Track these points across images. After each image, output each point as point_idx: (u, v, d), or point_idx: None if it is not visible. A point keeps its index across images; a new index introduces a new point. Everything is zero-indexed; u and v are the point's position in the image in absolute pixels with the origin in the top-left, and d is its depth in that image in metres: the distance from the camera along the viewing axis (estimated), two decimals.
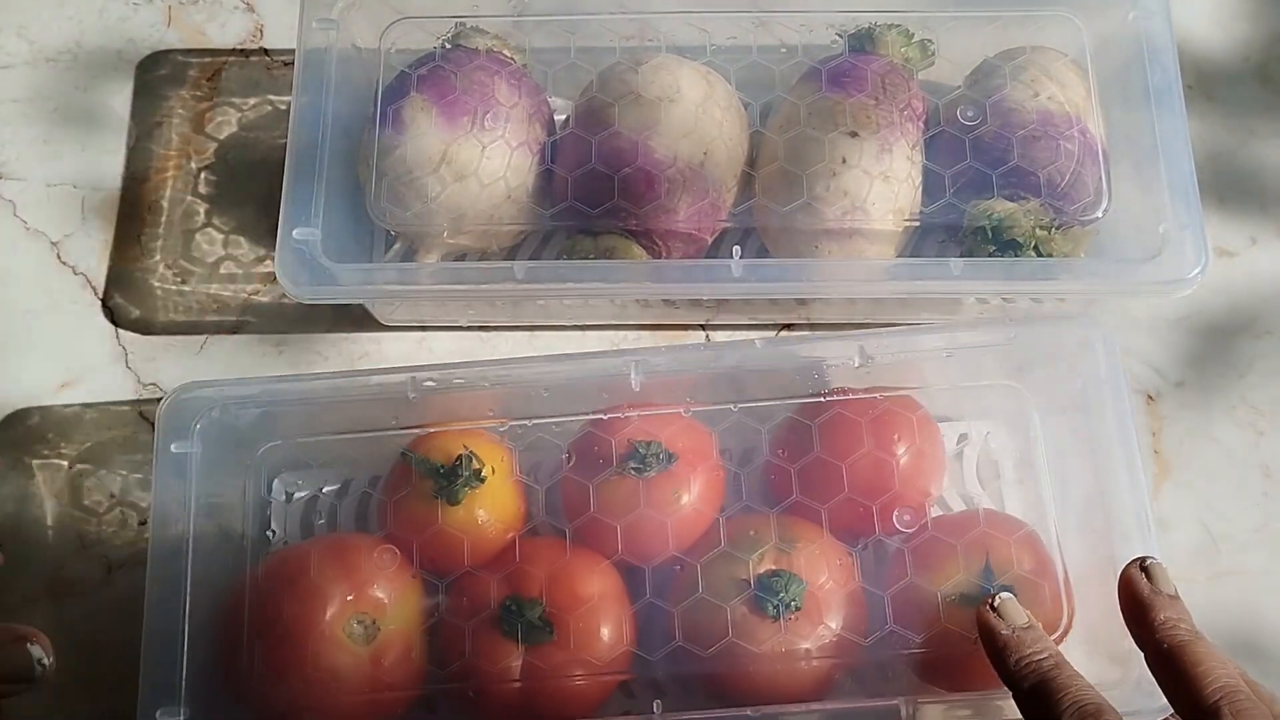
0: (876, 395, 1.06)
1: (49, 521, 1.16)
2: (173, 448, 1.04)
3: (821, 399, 1.07)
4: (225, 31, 1.34)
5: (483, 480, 1.03)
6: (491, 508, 1.04)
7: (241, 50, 1.33)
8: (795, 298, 1.18)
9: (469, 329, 1.17)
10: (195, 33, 1.34)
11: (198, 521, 1.03)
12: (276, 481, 1.15)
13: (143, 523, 1.16)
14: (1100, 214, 1.11)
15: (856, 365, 1.06)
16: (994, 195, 1.10)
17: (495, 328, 1.12)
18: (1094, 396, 1.04)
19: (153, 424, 1.15)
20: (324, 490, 1.15)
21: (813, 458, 1.04)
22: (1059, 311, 1.13)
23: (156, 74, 1.33)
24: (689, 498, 1.03)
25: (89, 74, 1.33)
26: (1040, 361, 1.08)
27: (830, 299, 1.18)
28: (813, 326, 1.22)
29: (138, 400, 1.20)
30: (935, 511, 1.07)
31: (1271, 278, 1.23)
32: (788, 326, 1.21)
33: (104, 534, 1.16)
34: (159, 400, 1.15)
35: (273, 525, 1.14)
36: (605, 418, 1.06)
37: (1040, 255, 1.09)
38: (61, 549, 1.15)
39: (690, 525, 1.03)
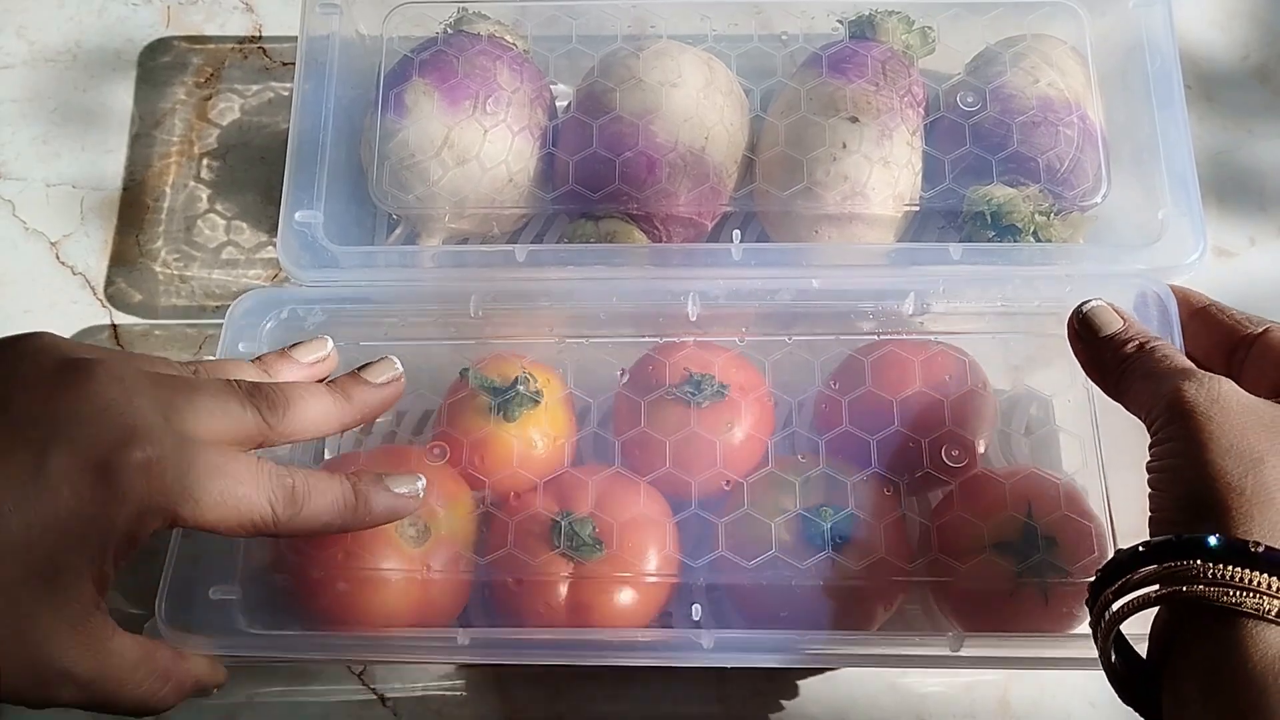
0: (930, 339, 1.08)
1: None
2: (240, 347, 1.06)
3: (876, 337, 1.09)
4: (224, 32, 1.35)
5: (538, 401, 1.05)
6: (545, 429, 1.06)
7: (241, 50, 1.34)
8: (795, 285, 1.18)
9: (448, 288, 1.15)
10: (194, 33, 1.35)
11: None
12: None
13: None
14: (1099, 200, 1.11)
15: (911, 313, 1.07)
16: (993, 181, 1.10)
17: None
18: None
19: None
20: None
21: (864, 393, 1.05)
22: (1117, 270, 1.13)
23: (160, 62, 1.33)
24: (740, 429, 1.04)
25: (89, 74, 1.33)
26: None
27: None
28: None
29: None
30: (982, 466, 1.07)
31: (1271, 278, 1.23)
32: None
33: None
34: None
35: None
36: (661, 342, 1.08)
37: (1039, 240, 1.09)
38: None
39: (739, 456, 1.05)
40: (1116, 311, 0.95)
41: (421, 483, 0.93)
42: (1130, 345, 0.92)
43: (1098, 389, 1.03)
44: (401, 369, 0.98)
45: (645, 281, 1.09)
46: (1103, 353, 0.94)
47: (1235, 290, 1.22)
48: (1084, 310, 0.96)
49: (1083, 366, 0.96)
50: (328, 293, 1.09)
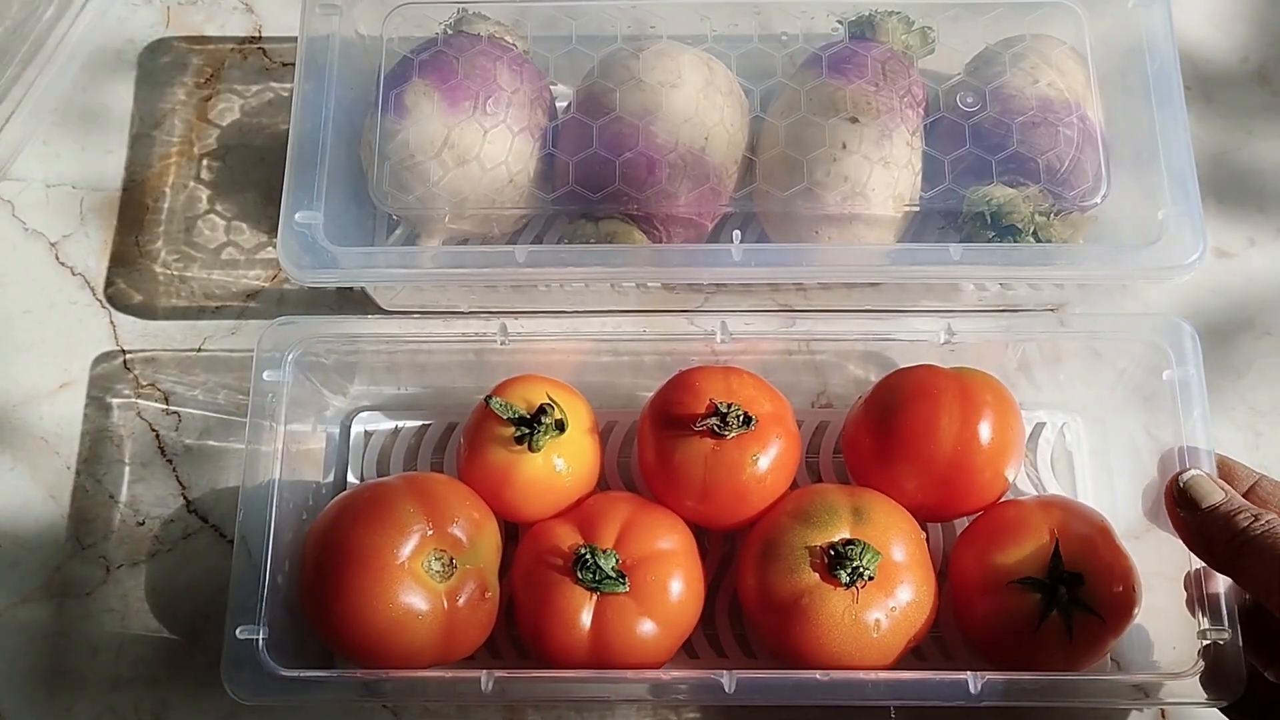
0: (960, 371, 1.07)
1: (48, 522, 1.16)
2: (265, 375, 1.06)
3: (904, 369, 1.09)
4: (224, 32, 1.35)
5: (563, 430, 1.05)
6: (570, 457, 1.06)
7: (241, 50, 1.34)
8: (795, 283, 1.18)
9: (470, 315, 1.16)
10: (194, 33, 1.35)
11: (285, 449, 1.05)
12: (361, 415, 1.18)
13: (141, 523, 1.16)
14: (1099, 200, 1.11)
15: (941, 342, 1.07)
16: (993, 181, 1.10)
17: (497, 313, 1.12)
18: (1176, 393, 1.04)
19: (150, 424, 1.16)
20: (404, 428, 1.19)
21: (892, 429, 1.05)
22: (1144, 309, 1.15)
23: (160, 62, 1.33)
24: (765, 461, 1.03)
25: (89, 74, 1.33)
26: (1122, 355, 1.10)
27: (829, 284, 1.18)
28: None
29: (136, 400, 1.19)
30: (1009, 496, 1.08)
31: (1270, 279, 1.23)
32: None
33: (104, 534, 1.16)
34: (156, 401, 1.16)
35: (355, 459, 1.17)
36: (686, 375, 1.07)
37: (1039, 241, 1.09)
38: (61, 549, 1.15)
39: (765, 489, 1.04)
40: (1215, 481, 0.96)
41: None
42: (1240, 518, 0.92)
43: (1120, 423, 1.04)
44: None
45: (668, 317, 1.09)
46: (1208, 526, 0.94)
47: (1235, 290, 1.22)
48: (1183, 480, 0.97)
49: (1183, 537, 0.97)
50: (352, 326, 1.09)
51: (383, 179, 1.12)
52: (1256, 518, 0.91)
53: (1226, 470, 1.00)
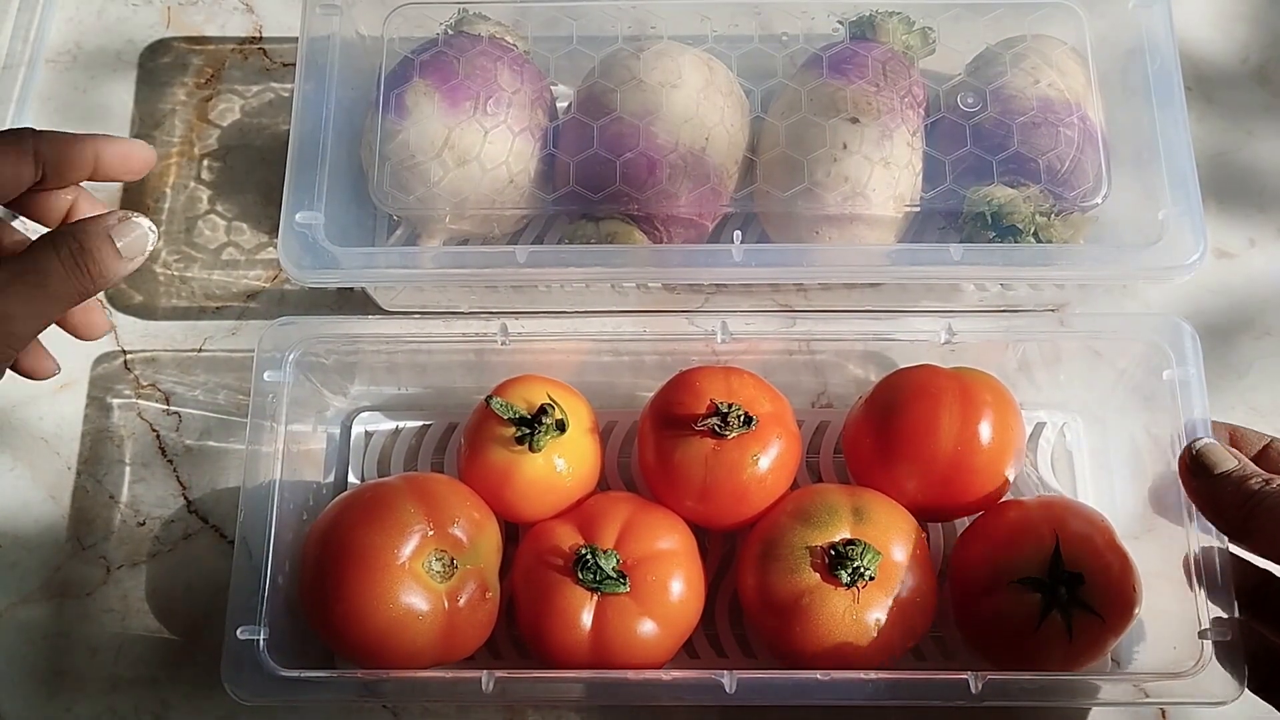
0: (960, 371, 1.07)
1: (48, 522, 1.16)
2: (265, 376, 1.06)
3: (905, 369, 1.08)
4: (225, 32, 1.35)
5: (564, 430, 1.05)
6: (571, 457, 1.06)
7: (241, 51, 1.33)
8: (795, 283, 1.18)
9: (470, 315, 1.16)
10: (194, 33, 1.35)
11: (286, 449, 1.05)
12: (361, 416, 1.19)
13: (141, 524, 1.16)
14: (1099, 200, 1.11)
15: (942, 342, 1.07)
16: (994, 181, 1.10)
17: (497, 313, 1.12)
18: (1176, 392, 1.04)
19: (151, 424, 1.16)
20: (405, 428, 1.19)
21: (892, 429, 1.05)
22: (1144, 309, 1.16)
23: (160, 63, 1.33)
24: (766, 461, 1.03)
25: (89, 74, 1.33)
26: (1122, 355, 1.10)
27: (830, 284, 1.18)
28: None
29: (136, 401, 1.19)
30: (1009, 496, 1.08)
31: (1270, 279, 1.23)
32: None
33: (104, 534, 1.16)
34: (157, 401, 1.15)
35: (355, 460, 1.17)
36: (687, 375, 1.07)
37: (1040, 241, 1.09)
38: (61, 549, 1.15)
39: (765, 489, 1.04)
40: (1227, 450, 0.97)
41: (151, 235, 0.91)
42: (1253, 482, 0.93)
43: (1120, 424, 1.03)
44: (154, 233, 0.92)
45: (669, 317, 1.09)
46: (1220, 491, 0.95)
47: (1235, 290, 1.22)
48: (1195, 449, 0.97)
49: (1197, 505, 0.97)
50: (353, 327, 1.09)
51: (383, 179, 1.12)
52: (1268, 481, 0.92)
53: (1236, 437, 1.01)
